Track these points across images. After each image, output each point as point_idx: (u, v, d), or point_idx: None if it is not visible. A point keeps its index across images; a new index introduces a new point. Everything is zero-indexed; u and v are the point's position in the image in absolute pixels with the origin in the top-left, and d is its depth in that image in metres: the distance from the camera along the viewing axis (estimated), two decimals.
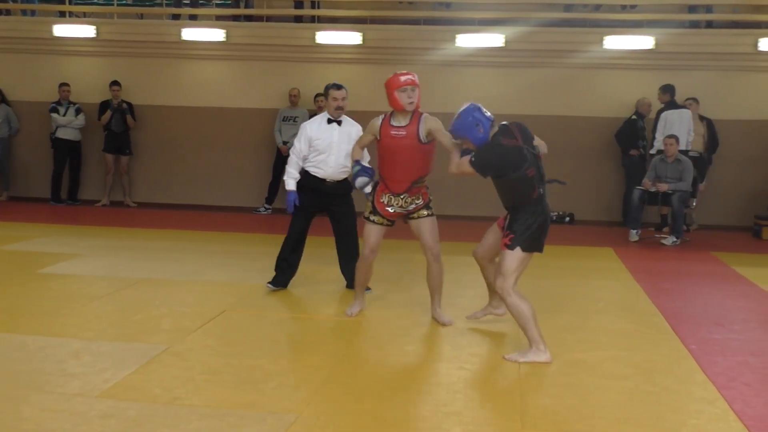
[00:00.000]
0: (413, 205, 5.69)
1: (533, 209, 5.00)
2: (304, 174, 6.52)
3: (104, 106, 12.22)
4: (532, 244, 5.02)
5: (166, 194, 12.68)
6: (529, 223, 4.98)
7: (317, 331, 5.64)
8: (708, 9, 11.97)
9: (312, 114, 11.99)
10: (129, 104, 12.26)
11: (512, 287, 4.97)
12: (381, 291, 6.75)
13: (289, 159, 6.55)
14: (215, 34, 12.18)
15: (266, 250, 8.79)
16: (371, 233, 5.75)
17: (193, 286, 6.86)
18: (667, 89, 10.96)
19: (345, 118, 6.45)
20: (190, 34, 12.21)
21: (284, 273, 6.75)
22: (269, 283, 6.72)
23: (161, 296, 6.41)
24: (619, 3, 12.03)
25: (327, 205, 6.61)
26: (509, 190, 5.09)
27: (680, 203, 9.87)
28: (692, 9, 11.99)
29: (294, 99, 11.97)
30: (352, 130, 6.40)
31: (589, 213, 11.86)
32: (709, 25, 11.85)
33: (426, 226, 5.71)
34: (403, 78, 5.45)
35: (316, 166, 6.46)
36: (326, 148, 6.38)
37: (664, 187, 9.90)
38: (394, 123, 5.58)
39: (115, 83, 12.18)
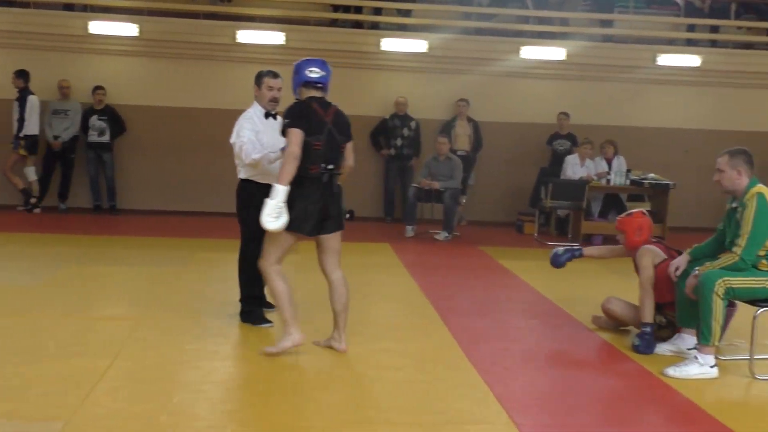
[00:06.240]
0: None
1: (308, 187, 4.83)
2: (250, 185, 5.52)
3: None
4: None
5: None
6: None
7: (89, 334, 5.36)
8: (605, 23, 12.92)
9: (87, 108, 11.43)
10: None
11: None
12: (159, 293, 6.59)
13: (250, 151, 5.32)
14: None
15: (30, 252, 8.33)
16: None
17: None
18: (21, 74, 11.01)
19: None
20: None
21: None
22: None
23: None
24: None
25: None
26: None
27: (452, 200, 10.42)
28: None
29: (65, 91, 11.33)
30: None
31: (368, 210, 12.19)
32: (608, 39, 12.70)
33: None
34: None
35: (263, 172, 5.45)
36: (274, 147, 5.33)
37: (436, 184, 10.41)
38: None
39: None
